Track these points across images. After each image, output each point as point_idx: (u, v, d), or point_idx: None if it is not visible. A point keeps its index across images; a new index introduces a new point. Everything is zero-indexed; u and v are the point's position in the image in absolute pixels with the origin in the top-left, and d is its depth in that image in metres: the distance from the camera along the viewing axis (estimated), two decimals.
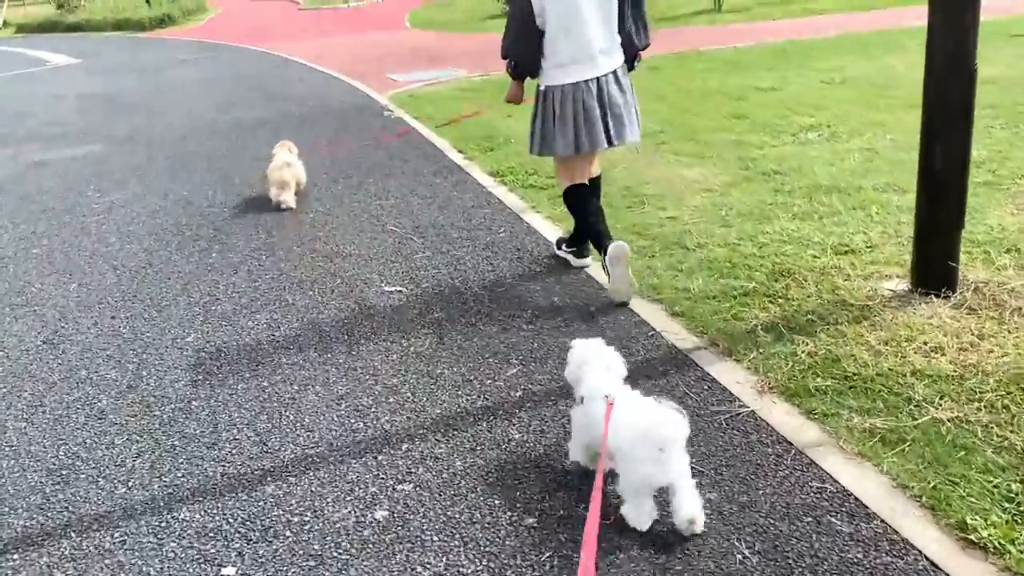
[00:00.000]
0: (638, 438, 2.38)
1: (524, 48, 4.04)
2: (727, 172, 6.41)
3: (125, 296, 5.11)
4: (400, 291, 4.80)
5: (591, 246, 4.57)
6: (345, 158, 8.03)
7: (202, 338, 4.44)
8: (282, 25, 26.67)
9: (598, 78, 4.00)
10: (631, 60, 4.24)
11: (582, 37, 3.94)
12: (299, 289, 4.97)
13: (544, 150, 4.26)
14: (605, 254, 4.13)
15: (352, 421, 3.50)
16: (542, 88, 4.15)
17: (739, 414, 3.27)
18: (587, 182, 4.40)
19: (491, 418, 3.40)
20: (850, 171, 6.13)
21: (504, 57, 4.21)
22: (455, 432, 3.33)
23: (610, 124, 4.07)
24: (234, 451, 3.36)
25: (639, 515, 2.47)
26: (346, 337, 4.28)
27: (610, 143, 4.16)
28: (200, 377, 4.00)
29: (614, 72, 4.07)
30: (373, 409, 3.58)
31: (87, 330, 4.67)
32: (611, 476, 2.61)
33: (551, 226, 5.59)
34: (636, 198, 5.96)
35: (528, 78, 4.25)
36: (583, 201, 4.37)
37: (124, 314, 4.85)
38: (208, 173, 7.94)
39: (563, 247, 4.84)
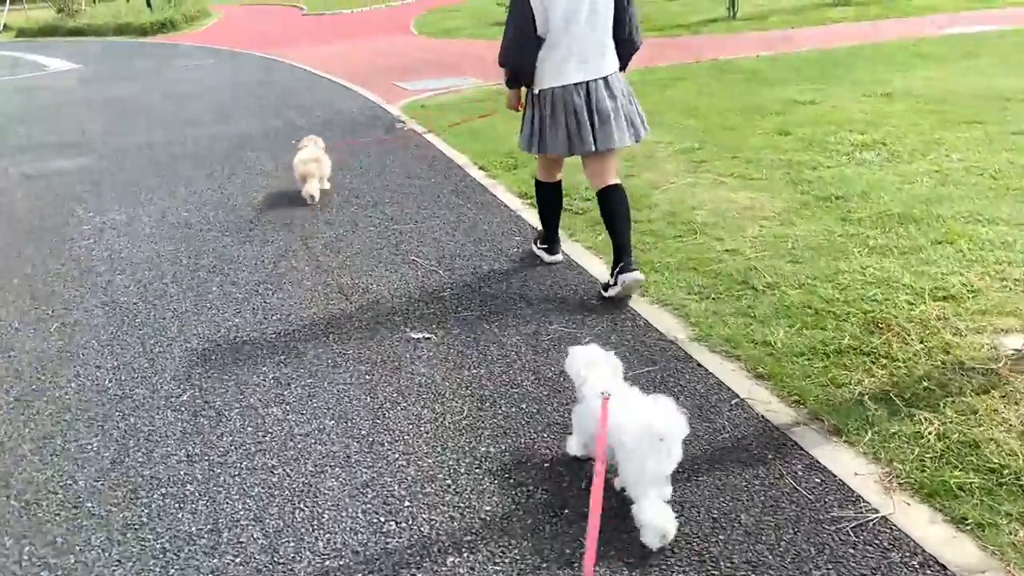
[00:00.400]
0: (640, 433, 2.39)
1: (524, 58, 4.03)
2: (782, 196, 5.75)
3: (113, 340, 4.44)
4: (428, 338, 4.13)
5: (559, 241, 4.88)
6: (357, 175, 7.36)
7: (199, 397, 3.77)
8: (286, 31, 26.04)
9: (587, 82, 3.99)
10: (625, 61, 4.23)
11: (576, 43, 3.94)
12: (311, 334, 4.30)
13: (539, 150, 4.23)
14: (549, 248, 4.78)
15: (381, 519, 2.83)
16: (535, 92, 4.12)
17: (868, 521, 2.60)
18: (561, 179, 4.58)
19: (553, 519, 2.72)
20: (922, 197, 5.46)
21: (503, 65, 4.17)
22: (510, 541, 2.66)
23: (597, 129, 4.04)
24: (237, 559, 2.69)
25: (646, 511, 2.46)
26: (369, 400, 3.61)
27: (605, 143, 4.09)
28: (197, 451, 3.33)
29: (605, 78, 4.04)
30: (407, 503, 2.90)
31: (67, 384, 4.00)
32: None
33: (595, 260, 4.92)
34: (686, 226, 5.30)
35: (526, 85, 4.23)
36: (551, 201, 4.63)
37: (111, 363, 4.18)
38: (209, 192, 7.27)
39: (537, 243, 4.94)
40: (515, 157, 7.26)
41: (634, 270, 4.11)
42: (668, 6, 21.10)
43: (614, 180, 4.22)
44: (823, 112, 8.05)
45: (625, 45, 4.12)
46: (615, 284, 4.15)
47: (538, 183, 4.62)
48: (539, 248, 4.88)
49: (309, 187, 6.46)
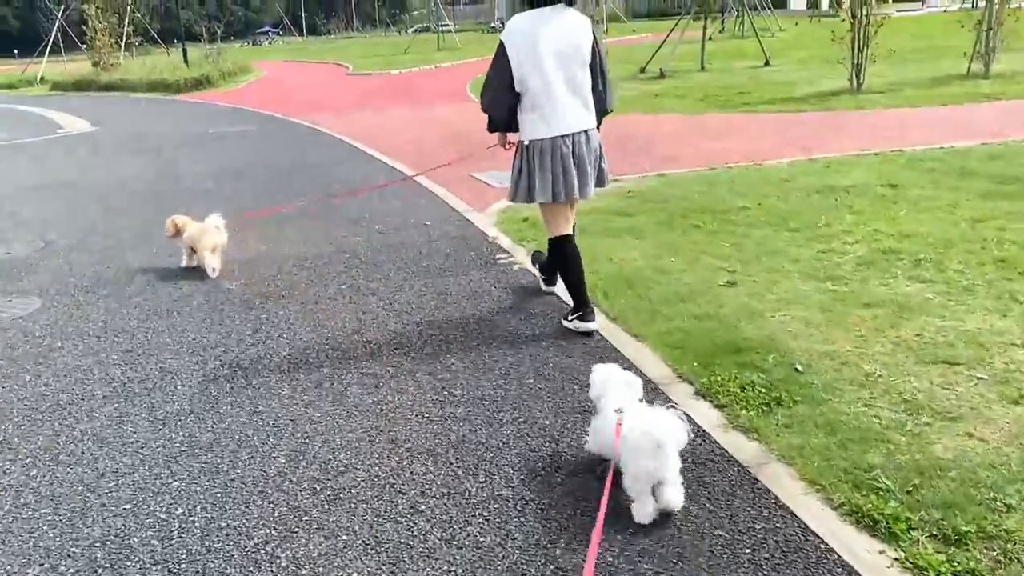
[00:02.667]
0: (640, 437, 2.59)
1: (499, 111, 4.21)
2: None
3: None
4: None
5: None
6: (475, 372, 4.00)
7: None
8: (329, 92, 23.10)
9: (573, 135, 4.15)
10: (600, 118, 4.31)
11: (560, 102, 4.09)
12: None
13: (528, 198, 4.27)
14: (582, 316, 4.32)
15: None
16: (525, 143, 4.22)
17: None
18: (571, 231, 4.43)
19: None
20: None
21: (485, 111, 4.30)
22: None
23: (578, 178, 4.18)
24: None
25: (643, 510, 2.65)
26: None
27: (583, 193, 4.22)
28: None
29: (585, 132, 4.20)
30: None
31: None
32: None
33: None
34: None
35: (505, 131, 4.37)
36: (570, 260, 4.39)
37: None
38: (201, 392, 3.93)
39: (568, 318, 4.43)
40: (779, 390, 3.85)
41: (590, 321, 4.26)
42: (770, 75, 17.91)
43: (572, 230, 4.38)
44: None
45: (599, 106, 4.25)
46: (570, 321, 4.31)
47: (552, 243, 4.44)
48: (571, 320, 4.37)
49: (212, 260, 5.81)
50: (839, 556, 2.55)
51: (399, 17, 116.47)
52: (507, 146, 4.47)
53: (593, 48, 4.14)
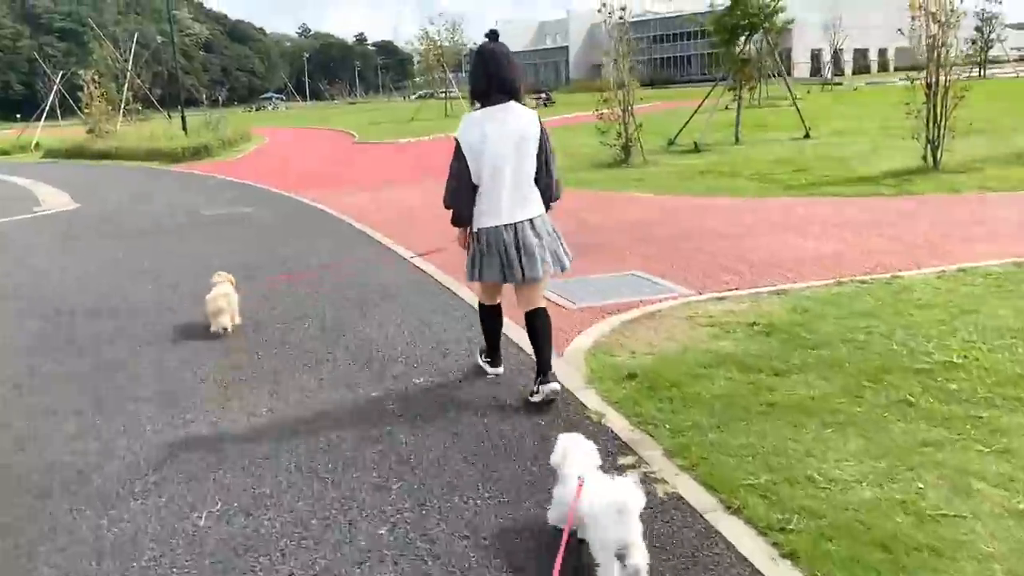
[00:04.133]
0: (604, 505, 2.62)
1: (462, 203, 4.27)
2: None
3: None
4: None
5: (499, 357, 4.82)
6: None
7: None
8: (334, 163, 21.25)
9: (515, 224, 4.24)
10: (547, 204, 4.38)
11: (504, 193, 4.20)
12: None
13: (479, 277, 4.39)
14: (492, 361, 4.78)
15: None
16: (475, 230, 4.32)
17: None
18: (499, 303, 4.59)
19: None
20: None
21: (447, 207, 4.35)
22: None
23: (524, 262, 4.26)
24: None
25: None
26: None
27: (523, 278, 4.28)
28: None
29: (530, 220, 4.28)
30: None
31: None
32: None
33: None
34: None
35: (465, 225, 4.37)
36: (492, 320, 4.66)
37: None
38: None
39: (481, 356, 4.85)
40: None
41: (551, 382, 4.26)
42: (816, 149, 16.05)
43: (539, 304, 4.42)
44: None
45: (544, 196, 4.34)
46: (537, 392, 4.29)
47: (480, 306, 4.69)
48: (483, 360, 4.84)
49: (221, 320, 5.87)
50: None
51: (402, 84, 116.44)
52: (464, 242, 4.45)
53: (540, 139, 4.27)
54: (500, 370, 4.78)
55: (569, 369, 4.78)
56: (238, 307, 6.12)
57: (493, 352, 4.76)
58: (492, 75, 4.17)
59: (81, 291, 7.64)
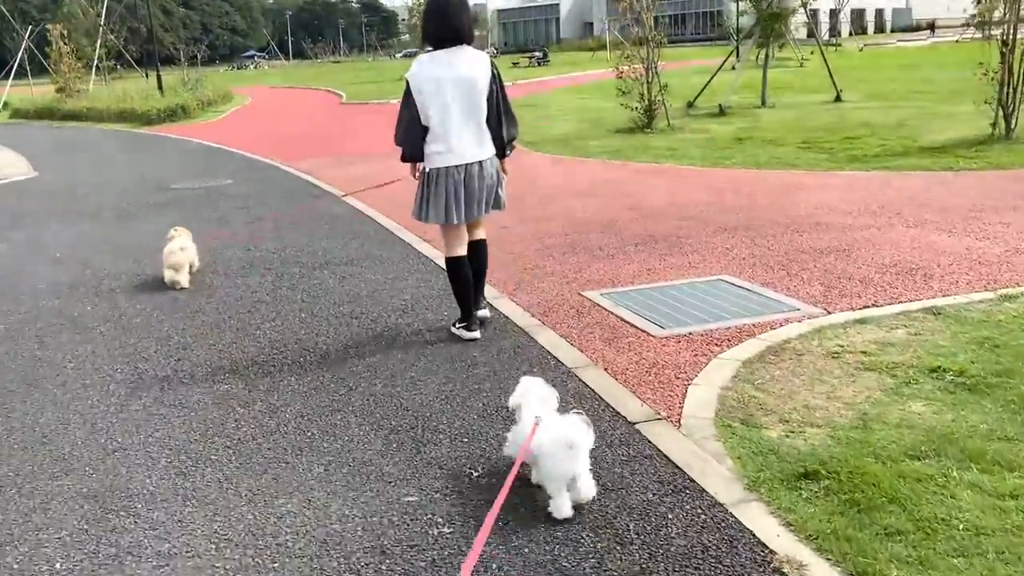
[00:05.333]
0: (556, 440, 2.71)
1: (410, 142, 4.31)
2: None
3: None
4: None
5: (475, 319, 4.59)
6: None
7: None
8: (321, 126, 19.34)
9: (466, 165, 4.27)
10: (503, 149, 4.43)
11: (454, 135, 4.23)
12: None
13: (423, 218, 4.42)
14: (467, 326, 4.50)
15: None
16: (426, 170, 4.35)
17: None
18: (465, 253, 4.49)
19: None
20: None
21: (397, 144, 4.39)
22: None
23: (467, 202, 4.30)
24: None
25: (560, 505, 2.73)
26: None
27: (470, 217, 4.37)
28: None
29: (479, 162, 4.30)
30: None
31: None
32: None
33: None
34: None
35: (415, 161, 4.40)
36: (458, 273, 4.49)
37: None
38: None
39: (456, 325, 4.59)
40: None
41: (474, 331, 4.45)
42: (855, 114, 14.34)
43: (482, 236, 4.58)
44: None
45: (497, 137, 4.35)
46: (456, 328, 4.54)
47: (447, 261, 4.56)
48: (458, 328, 4.56)
49: (179, 277, 5.79)
50: None
51: (387, 42, 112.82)
52: (416, 175, 4.45)
53: (491, 82, 4.27)
54: (476, 334, 4.52)
55: (701, 453, 3.13)
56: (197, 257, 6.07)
57: (467, 315, 4.53)
58: (443, 20, 4.21)
59: (15, 284, 5.89)
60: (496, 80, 4.28)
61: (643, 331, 4.51)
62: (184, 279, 5.78)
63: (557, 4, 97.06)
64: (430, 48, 4.28)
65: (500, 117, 4.32)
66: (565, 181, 9.65)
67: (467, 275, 4.48)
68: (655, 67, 14.01)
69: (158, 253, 6.05)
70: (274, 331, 4.87)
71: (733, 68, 19.18)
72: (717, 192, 8.41)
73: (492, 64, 4.30)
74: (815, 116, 14.73)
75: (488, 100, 4.26)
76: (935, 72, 22.27)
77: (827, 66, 17.37)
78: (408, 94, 4.26)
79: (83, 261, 6.85)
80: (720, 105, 16.14)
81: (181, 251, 5.82)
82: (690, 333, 4.45)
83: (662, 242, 6.39)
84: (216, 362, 4.41)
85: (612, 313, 4.84)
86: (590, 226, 7.12)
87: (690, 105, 17.14)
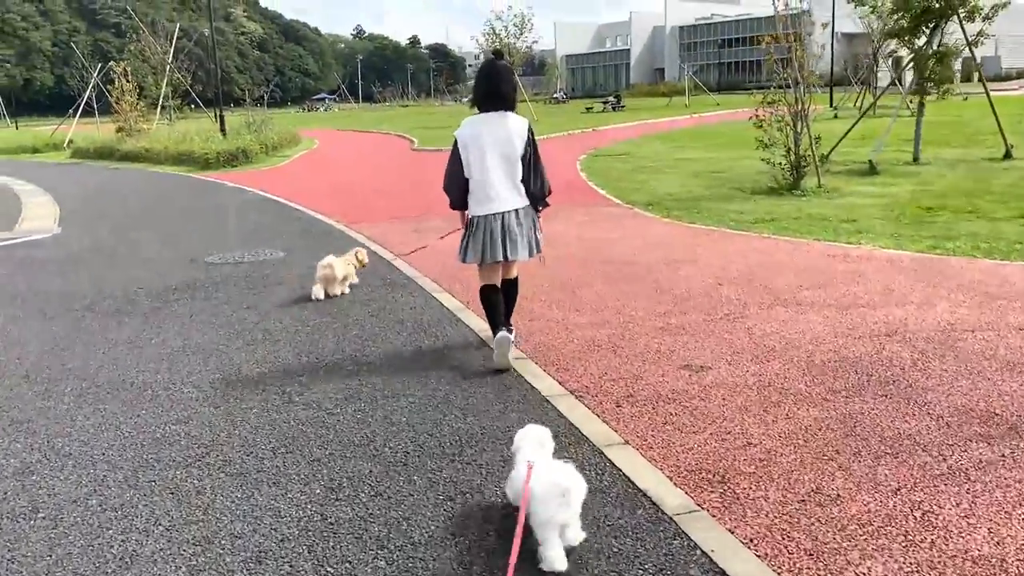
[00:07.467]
0: (549, 487, 2.74)
1: (456, 192, 4.76)
2: None
3: None
4: None
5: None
6: None
7: None
8: (393, 174, 16.96)
9: (502, 213, 4.67)
10: (536, 203, 4.80)
11: (492, 187, 4.65)
12: None
13: (464, 259, 4.79)
14: (495, 335, 4.73)
15: None
16: (469, 216, 4.77)
17: None
18: (498, 284, 4.85)
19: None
20: None
21: (445, 192, 4.83)
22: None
23: (507, 245, 4.68)
24: None
25: (553, 560, 2.69)
26: None
27: (505, 258, 4.71)
28: None
29: (515, 210, 4.69)
30: None
31: None
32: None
33: None
34: None
35: (461, 209, 4.82)
36: (489, 299, 4.83)
37: None
38: None
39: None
40: None
41: (507, 330, 4.71)
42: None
43: (515, 275, 4.99)
44: None
45: (533, 195, 4.75)
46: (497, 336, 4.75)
47: (481, 290, 4.86)
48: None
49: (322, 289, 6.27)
50: None
51: (455, 87, 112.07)
52: (464, 223, 4.81)
53: (526, 145, 4.65)
54: (499, 334, 4.73)
55: None
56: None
57: (494, 327, 4.77)
58: (492, 87, 4.67)
59: None
60: (531, 144, 4.66)
61: None
62: (337, 290, 6.36)
63: (627, 49, 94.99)
64: (476, 110, 4.73)
65: (531, 176, 4.68)
66: (727, 265, 6.87)
67: (496, 300, 4.80)
68: (806, 114, 11.28)
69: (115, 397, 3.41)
70: None
71: (835, 116, 16.26)
72: (998, 311, 5.47)
73: (530, 129, 4.68)
74: (992, 177, 11.80)
75: (522, 159, 4.64)
76: None
77: (995, 114, 14.32)
78: (455, 149, 4.71)
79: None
80: (870, 161, 13.27)
81: (329, 267, 6.30)
82: None
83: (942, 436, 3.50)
84: None
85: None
86: (836, 373, 4.29)
87: (823, 160, 14.25)
